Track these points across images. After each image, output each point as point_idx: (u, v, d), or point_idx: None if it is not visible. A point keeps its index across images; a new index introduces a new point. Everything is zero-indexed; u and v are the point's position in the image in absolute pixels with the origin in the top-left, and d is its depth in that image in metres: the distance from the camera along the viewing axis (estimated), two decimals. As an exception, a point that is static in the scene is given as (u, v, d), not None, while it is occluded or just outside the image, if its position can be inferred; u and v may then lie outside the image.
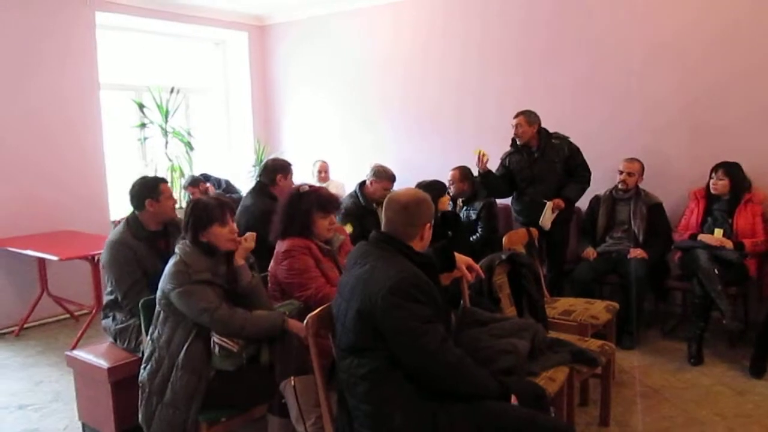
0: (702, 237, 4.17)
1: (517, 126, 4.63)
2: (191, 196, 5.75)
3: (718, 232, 4.15)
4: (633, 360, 4.03)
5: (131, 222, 3.27)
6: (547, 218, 4.58)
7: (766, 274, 4.09)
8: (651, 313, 4.62)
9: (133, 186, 3.31)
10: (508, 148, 4.82)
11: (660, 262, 4.48)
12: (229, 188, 6.19)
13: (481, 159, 4.57)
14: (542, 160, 4.63)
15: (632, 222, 4.51)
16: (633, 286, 4.24)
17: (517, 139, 4.69)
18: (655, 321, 4.59)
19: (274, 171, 4.24)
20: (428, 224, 2.23)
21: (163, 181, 3.38)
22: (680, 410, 3.34)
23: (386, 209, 2.25)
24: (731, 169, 4.21)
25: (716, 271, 3.92)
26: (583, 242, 4.68)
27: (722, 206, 4.25)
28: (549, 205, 4.60)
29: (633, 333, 4.26)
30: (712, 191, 4.26)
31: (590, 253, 4.52)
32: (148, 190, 3.25)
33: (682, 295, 4.65)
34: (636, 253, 4.36)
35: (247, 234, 2.75)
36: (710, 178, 4.27)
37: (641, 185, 4.58)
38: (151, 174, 6.19)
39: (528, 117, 4.62)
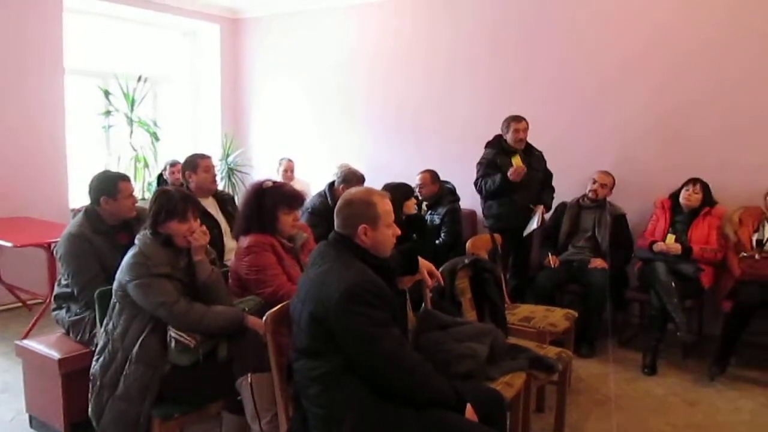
0: (656, 247, 4.27)
1: (521, 131, 4.64)
2: (166, 177, 5.69)
3: (670, 238, 4.26)
4: (589, 368, 4.09)
5: (90, 214, 3.18)
6: (536, 223, 4.64)
7: (720, 288, 4.19)
8: (609, 323, 4.69)
9: (93, 179, 3.22)
10: (478, 152, 4.83)
11: (619, 273, 4.56)
12: None
13: (519, 171, 4.48)
14: (529, 167, 4.66)
15: (596, 230, 4.59)
16: (592, 295, 4.31)
17: (516, 144, 4.66)
18: (612, 331, 4.66)
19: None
20: (363, 225, 2.13)
21: (124, 178, 3.27)
22: (633, 419, 3.40)
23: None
24: (705, 185, 4.34)
25: (673, 284, 4.01)
26: (544, 249, 4.73)
27: (683, 218, 4.36)
28: (540, 209, 4.67)
29: (591, 342, 4.32)
30: (684, 202, 4.35)
31: (553, 260, 4.56)
32: (105, 187, 3.16)
33: (639, 306, 4.73)
34: (596, 263, 4.43)
35: (197, 230, 2.65)
36: (685, 190, 4.36)
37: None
38: (114, 164, 6.10)
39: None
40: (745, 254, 4.04)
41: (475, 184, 4.79)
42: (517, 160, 4.53)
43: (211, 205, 3.89)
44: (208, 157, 3.97)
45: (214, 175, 3.98)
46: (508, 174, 4.51)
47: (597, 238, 4.58)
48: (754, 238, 4.11)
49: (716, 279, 4.26)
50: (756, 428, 3.31)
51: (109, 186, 3.16)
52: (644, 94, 4.82)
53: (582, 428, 3.29)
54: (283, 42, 6.82)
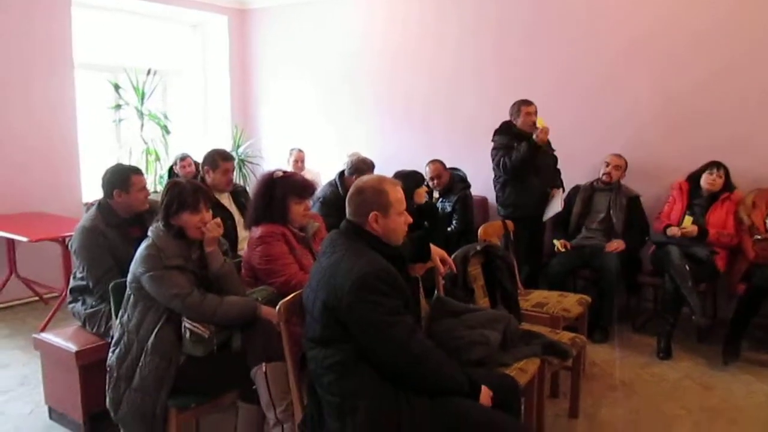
0: (669, 231, 4.24)
1: (533, 114, 4.60)
2: (177, 171, 5.68)
3: (687, 220, 4.23)
4: (603, 353, 4.08)
5: (103, 207, 3.20)
6: (556, 207, 4.63)
7: (735, 271, 4.16)
8: (622, 308, 4.67)
9: (105, 173, 3.24)
10: (487, 139, 4.80)
11: (632, 258, 4.54)
12: None
13: (543, 130, 4.42)
14: (541, 151, 4.64)
15: (612, 212, 4.57)
16: (605, 280, 4.29)
17: (528, 129, 4.59)
18: (626, 316, 4.64)
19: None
20: (374, 213, 2.12)
21: (136, 172, 3.29)
22: (648, 403, 3.39)
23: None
24: (726, 169, 4.28)
25: (687, 267, 3.98)
26: (555, 234, 4.70)
27: (702, 201, 4.32)
28: (560, 192, 4.66)
29: (604, 327, 4.31)
30: (707, 186, 4.29)
31: (562, 245, 4.52)
32: (117, 181, 3.18)
33: (653, 291, 4.71)
34: (612, 246, 4.40)
35: (211, 222, 2.66)
36: (708, 173, 4.30)
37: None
38: (125, 157, 6.13)
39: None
40: (758, 237, 4.01)
41: (498, 165, 4.66)
42: (540, 122, 4.45)
43: (225, 197, 3.91)
44: (230, 161, 3.95)
45: (231, 179, 3.94)
46: (535, 137, 4.43)
47: (612, 219, 4.55)
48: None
49: (731, 262, 4.23)
50: (772, 411, 3.30)
51: (122, 179, 3.18)
52: (652, 78, 4.77)
53: (596, 413, 3.28)
54: (291, 32, 6.80)
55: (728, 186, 4.30)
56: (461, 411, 2.01)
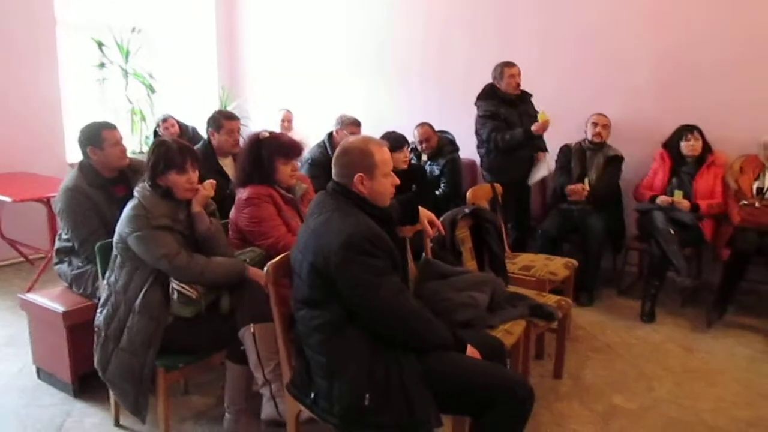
0: (659, 200, 4.26)
1: (517, 75, 4.57)
2: (161, 133, 5.60)
3: (678, 194, 4.24)
4: (588, 316, 4.14)
5: (85, 167, 3.15)
6: (542, 171, 4.62)
7: (720, 236, 4.20)
8: (608, 272, 4.71)
9: (79, 132, 3.17)
10: (473, 103, 4.77)
11: (617, 220, 4.58)
12: (195, 137, 5.99)
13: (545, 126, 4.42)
14: (525, 114, 4.60)
15: (589, 171, 4.58)
16: (591, 243, 4.32)
17: (512, 91, 4.59)
18: (611, 280, 4.69)
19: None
20: (360, 174, 2.11)
21: (108, 127, 3.20)
22: (631, 365, 3.45)
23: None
24: (701, 132, 4.29)
25: (671, 231, 4.02)
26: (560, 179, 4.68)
27: (689, 168, 4.32)
28: (545, 156, 4.63)
29: (590, 290, 4.36)
30: (689, 152, 4.30)
31: (582, 188, 4.48)
32: (90, 138, 3.12)
33: (638, 255, 4.75)
34: (578, 188, 4.45)
35: (206, 182, 2.67)
36: (685, 140, 4.30)
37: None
38: (110, 117, 6.02)
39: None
40: (745, 202, 4.04)
41: (488, 139, 4.61)
42: (543, 116, 4.43)
43: (228, 165, 3.81)
44: (235, 120, 3.84)
45: (237, 140, 3.80)
46: (533, 128, 4.40)
47: (589, 180, 4.54)
48: (755, 186, 4.10)
49: (716, 228, 4.27)
50: (751, 374, 3.36)
51: (94, 136, 3.12)
52: (641, 40, 4.73)
53: (580, 374, 3.34)
54: (279, -10, 6.66)
55: (707, 147, 4.31)
56: (450, 362, 2.03)
